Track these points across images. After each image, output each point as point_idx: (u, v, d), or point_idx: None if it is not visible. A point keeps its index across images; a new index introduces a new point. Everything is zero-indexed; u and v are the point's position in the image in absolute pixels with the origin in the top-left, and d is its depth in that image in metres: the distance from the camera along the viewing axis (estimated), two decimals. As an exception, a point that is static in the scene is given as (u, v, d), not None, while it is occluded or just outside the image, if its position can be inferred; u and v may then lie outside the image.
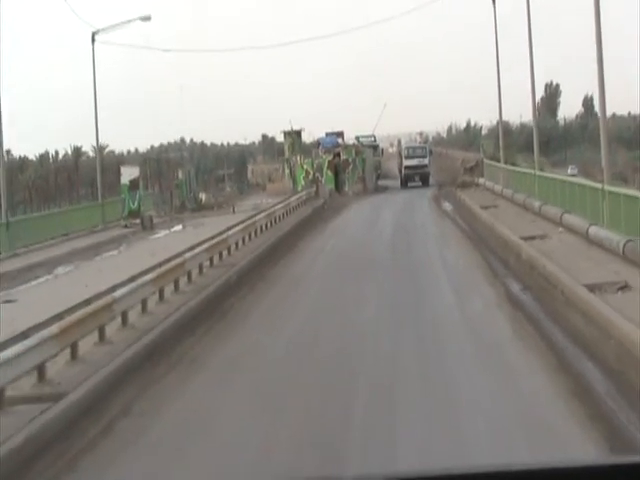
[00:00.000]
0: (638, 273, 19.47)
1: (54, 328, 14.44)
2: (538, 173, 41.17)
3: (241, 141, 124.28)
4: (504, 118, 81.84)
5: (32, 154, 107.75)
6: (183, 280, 23.10)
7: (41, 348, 13.38)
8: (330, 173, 66.78)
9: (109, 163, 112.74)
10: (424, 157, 72.19)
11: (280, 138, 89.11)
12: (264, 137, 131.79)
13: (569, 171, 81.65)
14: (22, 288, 28.66)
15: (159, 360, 15.52)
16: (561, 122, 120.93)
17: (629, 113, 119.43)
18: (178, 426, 12.01)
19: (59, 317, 16.24)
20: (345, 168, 67.73)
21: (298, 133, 78.61)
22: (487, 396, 12.52)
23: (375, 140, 79.03)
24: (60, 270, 33.47)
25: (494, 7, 51.96)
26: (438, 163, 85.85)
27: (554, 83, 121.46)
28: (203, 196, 62.59)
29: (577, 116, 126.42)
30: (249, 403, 12.71)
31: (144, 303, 19.60)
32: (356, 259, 28.54)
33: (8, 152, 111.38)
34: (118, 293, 18.07)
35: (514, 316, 17.62)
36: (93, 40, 50.28)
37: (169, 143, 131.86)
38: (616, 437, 10.27)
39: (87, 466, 10.73)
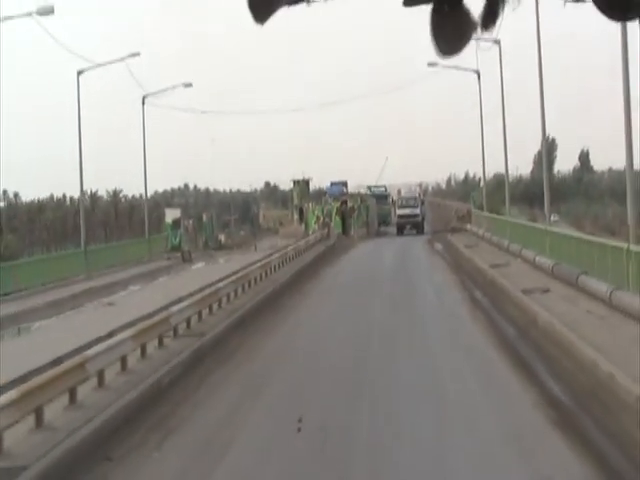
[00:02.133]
0: (558, 283, 28.99)
1: (175, 308, 23.79)
2: (509, 219, 50.85)
3: (243, 188, 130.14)
4: (501, 170, 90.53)
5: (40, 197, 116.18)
6: (241, 290, 32.44)
7: (187, 309, 22.81)
8: (338, 218, 75.89)
9: (124, 206, 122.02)
10: (416, 207, 77.28)
11: (283, 186, 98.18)
12: (267, 184, 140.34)
13: (552, 218, 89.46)
14: (112, 298, 37.95)
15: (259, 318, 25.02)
16: (557, 175, 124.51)
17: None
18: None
19: (165, 308, 25.72)
20: (351, 214, 76.82)
21: (306, 182, 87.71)
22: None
23: (386, 190, 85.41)
24: (131, 288, 42.73)
25: (500, 70, 55.34)
26: (435, 212, 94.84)
27: (550, 137, 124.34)
28: (222, 237, 71.97)
29: (574, 169, 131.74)
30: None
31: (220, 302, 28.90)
32: (365, 278, 38.23)
33: (16, 195, 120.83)
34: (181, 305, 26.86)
35: (472, 307, 27.22)
36: (143, 102, 59.97)
37: (172, 189, 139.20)
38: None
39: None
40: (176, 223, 58.77)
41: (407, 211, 76.73)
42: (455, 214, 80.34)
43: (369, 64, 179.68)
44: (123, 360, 17.91)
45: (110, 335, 19.67)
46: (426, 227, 77.12)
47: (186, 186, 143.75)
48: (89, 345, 18.45)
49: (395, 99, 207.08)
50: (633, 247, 23.87)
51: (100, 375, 16.41)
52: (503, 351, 19.79)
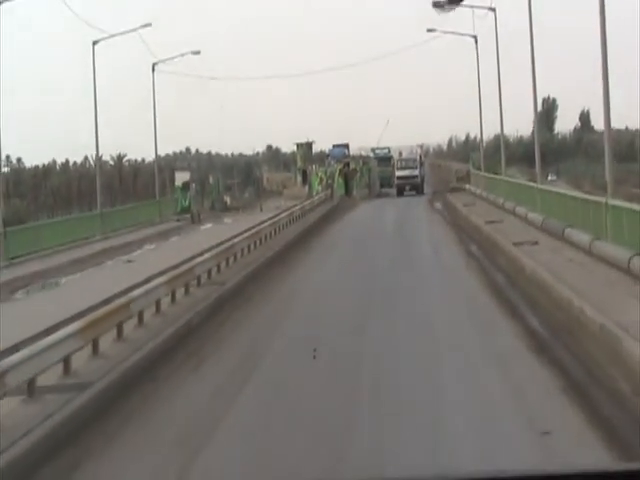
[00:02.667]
0: (547, 236, 31.47)
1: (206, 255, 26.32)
2: (504, 179, 53.26)
3: (245, 152, 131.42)
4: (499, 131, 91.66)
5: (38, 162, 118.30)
6: (253, 246, 34.88)
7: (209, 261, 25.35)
8: (341, 180, 78.20)
9: (128, 171, 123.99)
10: (415, 168, 78.24)
11: (285, 149, 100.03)
12: (269, 148, 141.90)
13: (549, 178, 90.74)
14: (130, 256, 40.42)
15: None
16: (559, 136, 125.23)
17: (626, 127, 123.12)
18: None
19: (202, 252, 28.25)
20: (353, 176, 79.09)
21: (309, 145, 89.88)
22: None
23: (389, 152, 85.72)
24: (146, 247, 45.19)
25: (496, 36, 56.59)
26: (436, 173, 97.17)
27: (551, 98, 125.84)
28: (228, 199, 74.26)
29: (574, 129, 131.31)
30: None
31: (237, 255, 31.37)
32: (368, 233, 40.82)
33: (19, 160, 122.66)
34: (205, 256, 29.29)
35: (466, 257, 29.76)
36: (153, 69, 62.18)
37: (174, 153, 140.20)
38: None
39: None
40: (185, 185, 61.12)
41: (406, 172, 77.84)
42: (455, 175, 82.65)
43: (370, 30, 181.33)
44: (157, 303, 20.39)
45: (147, 281, 22.08)
46: (426, 188, 78.78)
47: (188, 150, 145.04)
48: (120, 294, 20.84)
49: (396, 63, 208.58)
50: (610, 201, 26.25)
51: (140, 315, 18.90)
52: (492, 293, 22.31)
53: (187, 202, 60.75)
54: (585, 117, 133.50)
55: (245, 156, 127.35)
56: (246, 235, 34.48)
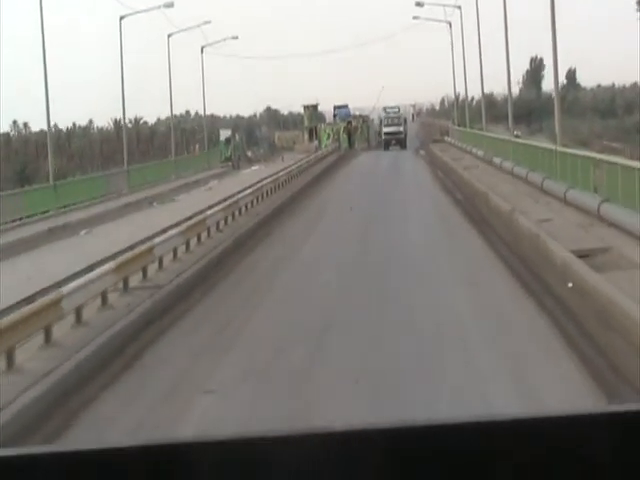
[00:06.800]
0: (486, 164, 49.54)
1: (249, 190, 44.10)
2: (475, 131, 71.16)
3: (241, 113, 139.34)
4: (488, 91, 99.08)
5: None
6: (290, 178, 52.62)
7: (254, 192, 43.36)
8: (345, 135, 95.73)
9: (146, 133, 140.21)
10: (400, 125, 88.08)
11: (283, 111, 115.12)
12: (268, 109, 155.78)
13: (515, 133, 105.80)
14: (206, 187, 58.20)
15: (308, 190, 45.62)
16: (544, 94, 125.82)
17: (613, 84, 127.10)
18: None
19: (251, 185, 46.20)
20: (355, 132, 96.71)
21: (315, 107, 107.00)
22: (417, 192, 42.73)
23: (399, 111, 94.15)
24: (211, 183, 62.89)
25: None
26: (426, 129, 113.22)
27: (538, 57, 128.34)
28: (249, 153, 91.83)
29: (561, 87, 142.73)
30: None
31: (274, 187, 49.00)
32: (369, 170, 59.03)
33: (25, 125, 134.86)
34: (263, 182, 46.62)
35: (434, 176, 48.06)
36: (169, 39, 79.71)
37: (175, 115, 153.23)
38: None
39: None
40: (227, 140, 79.10)
41: (392, 129, 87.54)
42: (439, 130, 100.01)
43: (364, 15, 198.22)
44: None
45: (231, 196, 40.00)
46: (415, 141, 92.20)
47: (187, 112, 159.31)
48: (221, 201, 38.05)
49: (390, 42, 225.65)
50: (559, 149, 34.66)
51: (240, 210, 36.26)
52: (442, 189, 40.47)
53: (229, 153, 78.60)
54: (572, 75, 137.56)
55: (242, 118, 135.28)
56: (286, 171, 51.94)
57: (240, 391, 12.19)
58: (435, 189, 42.00)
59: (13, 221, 40.26)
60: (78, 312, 15.18)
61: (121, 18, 61.00)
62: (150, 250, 19.84)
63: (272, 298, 18.83)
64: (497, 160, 47.20)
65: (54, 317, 13.86)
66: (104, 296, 16.76)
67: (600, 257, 19.10)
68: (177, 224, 26.37)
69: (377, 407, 10.77)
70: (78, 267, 20.64)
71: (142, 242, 22.22)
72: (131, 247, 21.91)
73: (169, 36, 73.40)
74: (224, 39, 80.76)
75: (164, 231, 24.56)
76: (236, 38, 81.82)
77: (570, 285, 17.06)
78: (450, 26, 77.48)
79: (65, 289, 14.50)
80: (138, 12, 63.67)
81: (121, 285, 18.07)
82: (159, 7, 65.04)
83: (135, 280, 19.10)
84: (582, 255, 19.05)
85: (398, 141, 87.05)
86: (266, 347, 14.39)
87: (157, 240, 21.16)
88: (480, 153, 55.27)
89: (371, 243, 26.14)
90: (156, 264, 20.59)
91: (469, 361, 12.91)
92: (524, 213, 26.54)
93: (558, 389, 11.35)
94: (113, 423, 11.01)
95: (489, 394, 11.40)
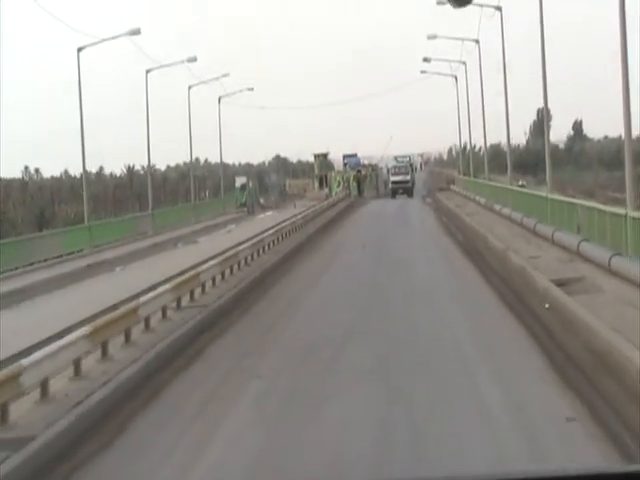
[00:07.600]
0: (489, 211, 53.46)
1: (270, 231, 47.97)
2: (480, 181, 75.04)
3: (250, 161, 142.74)
4: (496, 141, 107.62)
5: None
6: (305, 222, 56.42)
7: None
8: (354, 183, 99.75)
9: (159, 179, 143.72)
10: (407, 174, 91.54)
11: (292, 159, 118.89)
12: (277, 157, 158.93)
13: (520, 182, 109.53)
14: (225, 230, 61.98)
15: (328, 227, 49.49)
16: (552, 144, 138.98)
17: (620, 136, 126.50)
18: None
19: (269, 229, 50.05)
20: (364, 180, 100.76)
21: (325, 155, 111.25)
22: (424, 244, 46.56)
23: (410, 160, 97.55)
24: (230, 227, 66.75)
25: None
26: (434, 178, 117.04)
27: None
28: (261, 199, 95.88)
29: (567, 137, 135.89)
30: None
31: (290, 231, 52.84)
32: (378, 216, 62.92)
33: (37, 171, 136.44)
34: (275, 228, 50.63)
35: (439, 221, 51.87)
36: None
37: (185, 163, 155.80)
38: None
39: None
40: (243, 187, 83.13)
41: (399, 177, 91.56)
42: (445, 178, 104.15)
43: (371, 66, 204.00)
44: (246, 258, 38.91)
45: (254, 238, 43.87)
46: (422, 190, 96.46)
47: (197, 159, 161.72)
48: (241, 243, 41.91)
49: (398, 93, 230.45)
50: (550, 196, 39.42)
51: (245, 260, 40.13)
52: (446, 232, 44.29)
53: (244, 198, 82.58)
54: (578, 126, 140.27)
55: (252, 165, 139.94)
56: (299, 217, 55.66)
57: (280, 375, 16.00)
58: (439, 232, 45.86)
59: (54, 258, 44.15)
60: (147, 320, 19.01)
61: (147, 72, 63.24)
62: (197, 276, 23.62)
63: (307, 306, 24.63)
64: (497, 207, 51.20)
65: (132, 322, 17.68)
66: (164, 311, 20.55)
67: (574, 285, 22.88)
68: (211, 258, 30.08)
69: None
70: (128, 293, 24.44)
71: (181, 273, 25.90)
72: (171, 277, 25.46)
73: (189, 88, 77.17)
74: (240, 90, 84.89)
75: (192, 267, 27.92)
76: (252, 90, 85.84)
77: (547, 306, 20.83)
78: (456, 80, 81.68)
79: (142, 299, 18.36)
80: (163, 66, 66.08)
81: (174, 304, 21.88)
82: (182, 62, 68.48)
83: (184, 300, 22.87)
84: (560, 284, 22.81)
85: (405, 190, 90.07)
86: (298, 348, 18.26)
87: (202, 267, 24.93)
88: (482, 200, 59.25)
89: (381, 273, 30.37)
90: (199, 289, 24.40)
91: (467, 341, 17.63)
92: (516, 251, 30.43)
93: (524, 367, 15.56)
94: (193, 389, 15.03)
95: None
